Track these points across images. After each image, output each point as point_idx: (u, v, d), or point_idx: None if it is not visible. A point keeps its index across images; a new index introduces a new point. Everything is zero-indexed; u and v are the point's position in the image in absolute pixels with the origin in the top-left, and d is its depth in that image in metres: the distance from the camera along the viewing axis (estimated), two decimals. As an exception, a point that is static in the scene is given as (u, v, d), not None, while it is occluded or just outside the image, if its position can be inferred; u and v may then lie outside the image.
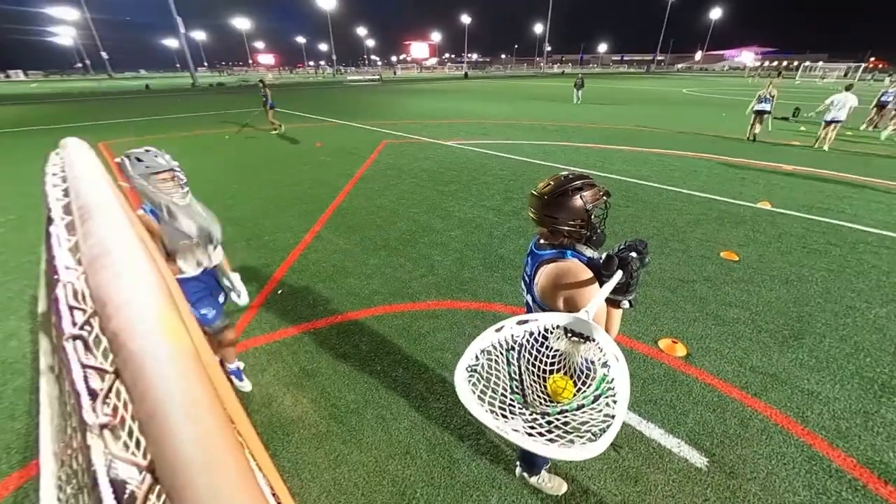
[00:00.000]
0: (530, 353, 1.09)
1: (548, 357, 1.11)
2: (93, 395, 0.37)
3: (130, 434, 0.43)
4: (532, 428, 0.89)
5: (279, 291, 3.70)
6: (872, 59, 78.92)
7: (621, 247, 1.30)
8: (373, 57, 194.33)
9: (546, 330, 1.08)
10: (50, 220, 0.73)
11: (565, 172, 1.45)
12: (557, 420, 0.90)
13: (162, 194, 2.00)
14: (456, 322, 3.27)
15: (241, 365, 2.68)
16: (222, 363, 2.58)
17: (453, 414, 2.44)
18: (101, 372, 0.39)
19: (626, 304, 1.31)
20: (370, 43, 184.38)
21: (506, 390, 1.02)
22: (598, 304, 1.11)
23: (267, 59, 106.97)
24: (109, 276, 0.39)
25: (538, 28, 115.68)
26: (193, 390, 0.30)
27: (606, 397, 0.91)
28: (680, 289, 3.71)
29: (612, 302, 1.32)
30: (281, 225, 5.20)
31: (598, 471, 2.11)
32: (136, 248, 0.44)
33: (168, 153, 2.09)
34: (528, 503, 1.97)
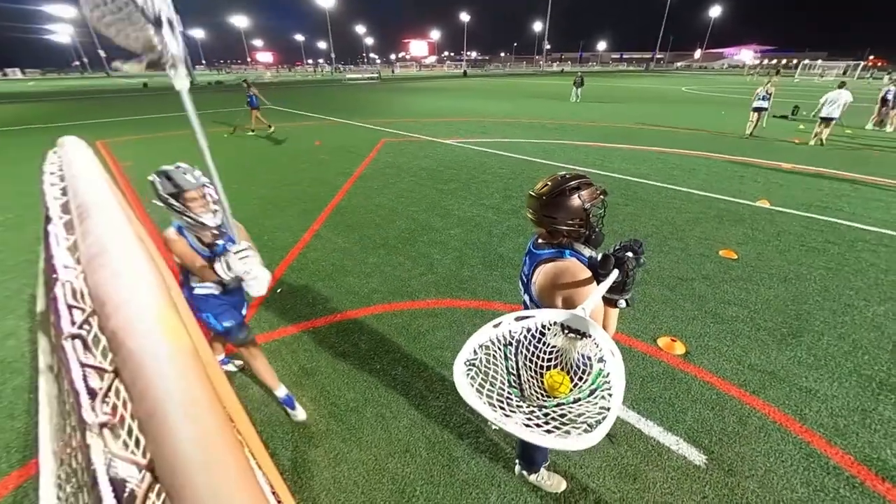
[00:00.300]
0: (527, 349, 1.11)
1: (545, 353, 1.12)
2: (92, 393, 0.37)
3: (130, 433, 0.43)
4: (529, 420, 0.90)
5: (278, 290, 3.70)
6: (871, 57, 78.97)
7: (617, 247, 1.32)
8: (372, 55, 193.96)
9: (543, 326, 1.09)
10: (48, 219, 0.73)
11: (562, 172, 1.45)
12: (554, 412, 0.92)
13: (190, 214, 1.92)
14: (455, 320, 3.27)
15: (287, 392, 2.44)
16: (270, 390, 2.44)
17: (453, 412, 2.45)
18: (100, 371, 0.39)
19: (622, 303, 1.32)
20: (369, 41, 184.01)
21: (503, 384, 1.03)
22: (594, 302, 1.12)
23: (265, 57, 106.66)
24: (108, 274, 0.39)
25: (537, 26, 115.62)
26: (193, 389, 0.30)
27: (602, 391, 0.92)
28: (679, 287, 3.72)
29: (609, 301, 1.33)
30: (280, 224, 5.19)
31: (597, 468, 2.11)
32: (134, 246, 0.44)
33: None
34: (528, 501, 1.97)
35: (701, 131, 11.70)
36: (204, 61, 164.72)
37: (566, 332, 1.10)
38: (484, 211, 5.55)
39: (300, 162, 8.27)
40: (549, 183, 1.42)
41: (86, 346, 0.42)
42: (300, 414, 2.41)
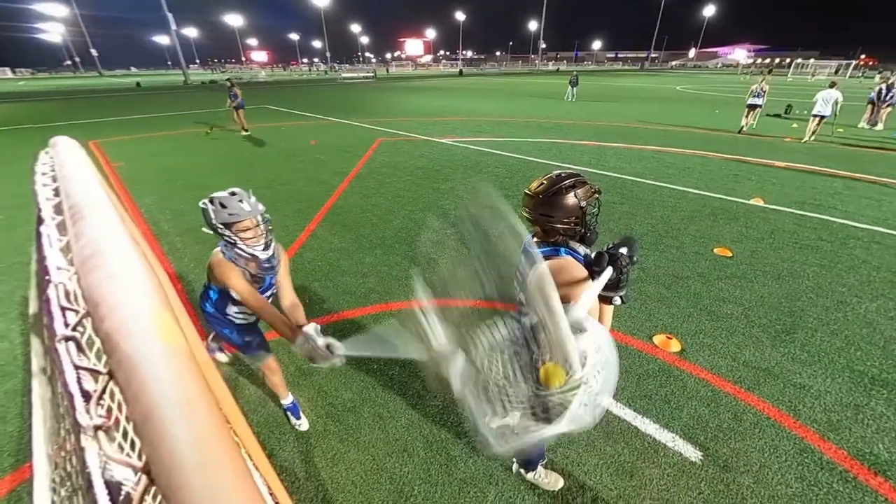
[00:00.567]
0: (522, 346, 1.12)
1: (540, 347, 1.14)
2: (86, 396, 0.37)
3: (125, 435, 0.43)
4: (525, 409, 0.94)
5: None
6: (863, 56, 79.80)
7: (611, 245, 1.35)
8: (367, 54, 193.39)
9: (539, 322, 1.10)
10: (40, 220, 0.72)
11: (557, 171, 1.46)
12: (549, 401, 0.95)
13: (241, 246, 1.77)
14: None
15: (293, 400, 2.40)
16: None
17: (450, 411, 2.45)
18: (94, 373, 0.39)
19: (617, 300, 1.34)
20: (364, 40, 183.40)
21: (498, 377, 1.05)
22: (591, 299, 1.13)
23: (260, 56, 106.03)
24: (102, 276, 0.38)
25: (533, 25, 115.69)
26: (188, 390, 0.30)
27: (596, 380, 0.95)
28: (674, 285, 3.74)
29: (604, 298, 1.35)
30: (275, 224, 5.11)
31: (594, 466, 2.13)
32: (129, 248, 0.44)
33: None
34: (525, 499, 1.98)
35: (695, 130, 11.78)
36: (198, 60, 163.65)
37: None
38: (480, 210, 5.55)
39: (296, 161, 8.24)
40: (545, 181, 1.43)
41: (80, 349, 0.41)
42: (304, 424, 2.36)
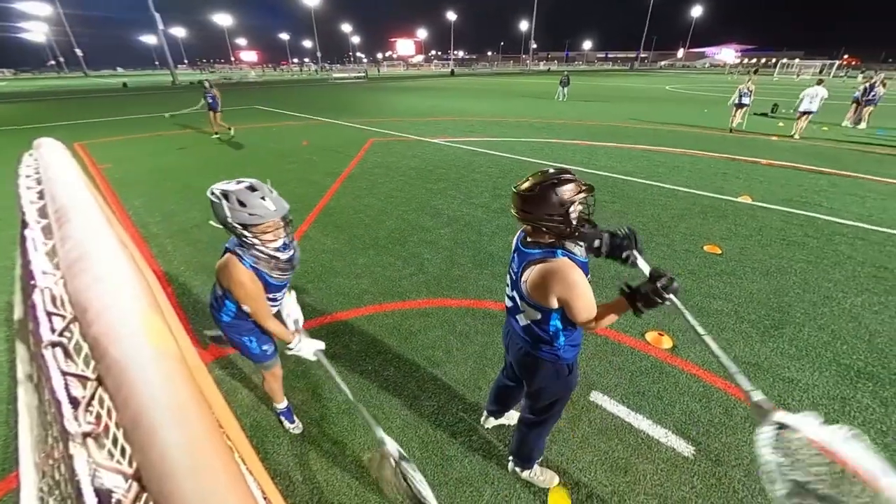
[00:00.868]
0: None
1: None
2: (74, 403, 0.36)
3: (115, 442, 0.42)
4: None
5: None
6: (846, 56, 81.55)
7: (624, 231, 1.55)
8: (358, 54, 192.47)
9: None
10: (25, 224, 0.71)
11: (545, 169, 1.45)
12: None
13: (260, 247, 1.60)
14: (447, 320, 3.27)
15: (287, 405, 2.37)
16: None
17: (445, 412, 2.45)
18: (82, 379, 0.38)
19: (642, 309, 1.37)
20: (355, 40, 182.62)
21: None
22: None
23: (249, 56, 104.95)
24: (89, 279, 0.38)
25: (524, 25, 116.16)
26: (179, 394, 0.30)
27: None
28: (665, 282, 3.79)
29: (632, 302, 1.38)
30: (267, 225, 5.12)
31: (589, 462, 2.14)
32: (116, 250, 0.43)
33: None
34: (521, 496, 1.99)
35: (684, 129, 11.92)
36: (186, 61, 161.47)
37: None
38: (473, 210, 5.56)
39: (287, 162, 8.17)
40: (531, 179, 1.43)
41: (67, 354, 0.41)
42: (298, 427, 2.34)
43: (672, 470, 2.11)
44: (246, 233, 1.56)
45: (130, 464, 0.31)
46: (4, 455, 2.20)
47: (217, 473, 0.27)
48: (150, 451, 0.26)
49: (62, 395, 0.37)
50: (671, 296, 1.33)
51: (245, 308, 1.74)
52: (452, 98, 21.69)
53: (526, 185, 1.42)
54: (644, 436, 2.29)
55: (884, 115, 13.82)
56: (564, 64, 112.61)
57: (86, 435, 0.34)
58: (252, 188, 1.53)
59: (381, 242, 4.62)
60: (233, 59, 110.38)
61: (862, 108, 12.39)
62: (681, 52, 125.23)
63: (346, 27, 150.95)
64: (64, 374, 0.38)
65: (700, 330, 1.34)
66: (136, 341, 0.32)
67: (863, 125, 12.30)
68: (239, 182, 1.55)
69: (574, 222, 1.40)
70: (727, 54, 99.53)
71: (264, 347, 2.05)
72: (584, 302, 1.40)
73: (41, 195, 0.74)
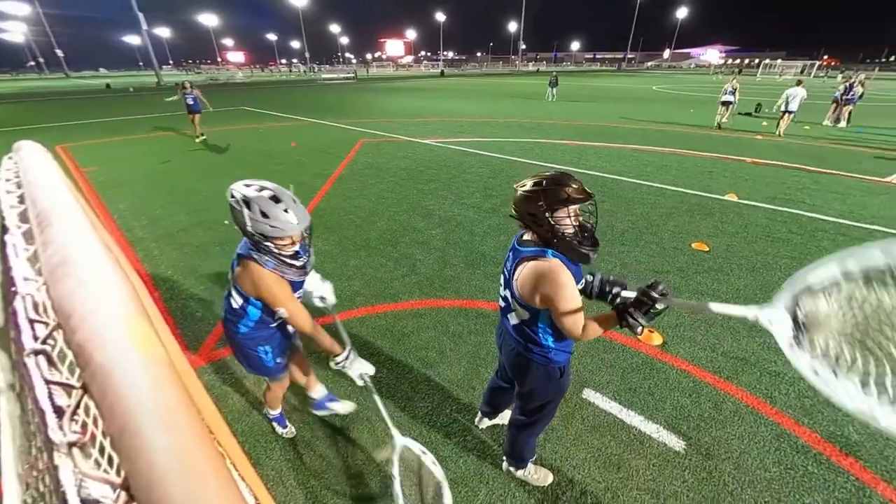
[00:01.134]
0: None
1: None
2: (59, 412, 0.35)
3: (102, 451, 0.41)
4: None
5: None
6: (826, 56, 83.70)
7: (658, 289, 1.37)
8: (347, 55, 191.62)
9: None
10: (5, 229, 0.69)
11: (546, 172, 1.45)
12: None
13: (275, 252, 1.57)
14: (440, 320, 3.27)
15: (280, 411, 2.35)
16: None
17: (439, 412, 2.45)
18: (67, 387, 0.37)
19: (638, 328, 1.32)
20: (344, 40, 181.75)
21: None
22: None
23: (237, 56, 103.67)
24: (73, 284, 0.37)
25: (512, 26, 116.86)
26: (168, 399, 0.29)
27: None
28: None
29: (622, 319, 1.32)
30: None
31: (582, 460, 2.16)
32: (100, 254, 0.42)
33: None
34: (516, 495, 2.00)
35: (672, 128, 12.11)
36: (171, 61, 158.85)
37: None
38: (465, 210, 5.57)
39: (275, 164, 8.09)
40: (529, 179, 1.44)
41: (50, 362, 0.39)
42: (290, 432, 2.33)
43: (664, 465, 2.14)
44: (266, 242, 1.54)
45: (118, 473, 0.30)
46: (-14, 467, 2.13)
47: (208, 479, 0.26)
48: (138, 458, 0.26)
49: (46, 405, 0.36)
50: (663, 296, 1.31)
51: (281, 312, 1.69)
52: (442, 99, 21.70)
53: (521, 184, 1.44)
54: (636, 432, 2.32)
55: (862, 114, 14.21)
56: (553, 65, 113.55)
57: (71, 444, 0.33)
58: (276, 199, 1.46)
59: (373, 244, 4.60)
60: (219, 59, 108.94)
61: (841, 107, 12.72)
62: (667, 53, 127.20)
63: (335, 28, 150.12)
64: (48, 382, 0.37)
65: (695, 303, 1.35)
66: (122, 346, 0.31)
67: (843, 124, 12.63)
68: (261, 189, 1.47)
69: (562, 229, 1.36)
70: (712, 55, 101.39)
71: (279, 360, 1.99)
72: (569, 305, 1.36)
73: (21, 199, 0.72)
